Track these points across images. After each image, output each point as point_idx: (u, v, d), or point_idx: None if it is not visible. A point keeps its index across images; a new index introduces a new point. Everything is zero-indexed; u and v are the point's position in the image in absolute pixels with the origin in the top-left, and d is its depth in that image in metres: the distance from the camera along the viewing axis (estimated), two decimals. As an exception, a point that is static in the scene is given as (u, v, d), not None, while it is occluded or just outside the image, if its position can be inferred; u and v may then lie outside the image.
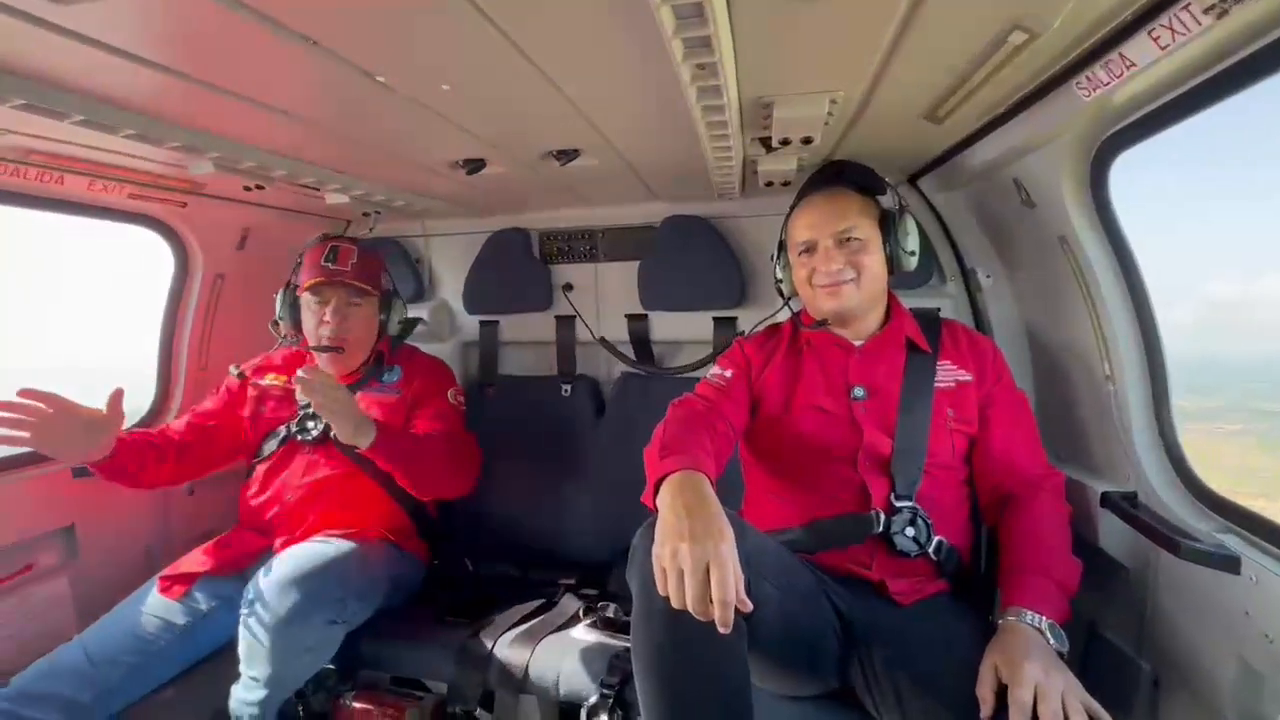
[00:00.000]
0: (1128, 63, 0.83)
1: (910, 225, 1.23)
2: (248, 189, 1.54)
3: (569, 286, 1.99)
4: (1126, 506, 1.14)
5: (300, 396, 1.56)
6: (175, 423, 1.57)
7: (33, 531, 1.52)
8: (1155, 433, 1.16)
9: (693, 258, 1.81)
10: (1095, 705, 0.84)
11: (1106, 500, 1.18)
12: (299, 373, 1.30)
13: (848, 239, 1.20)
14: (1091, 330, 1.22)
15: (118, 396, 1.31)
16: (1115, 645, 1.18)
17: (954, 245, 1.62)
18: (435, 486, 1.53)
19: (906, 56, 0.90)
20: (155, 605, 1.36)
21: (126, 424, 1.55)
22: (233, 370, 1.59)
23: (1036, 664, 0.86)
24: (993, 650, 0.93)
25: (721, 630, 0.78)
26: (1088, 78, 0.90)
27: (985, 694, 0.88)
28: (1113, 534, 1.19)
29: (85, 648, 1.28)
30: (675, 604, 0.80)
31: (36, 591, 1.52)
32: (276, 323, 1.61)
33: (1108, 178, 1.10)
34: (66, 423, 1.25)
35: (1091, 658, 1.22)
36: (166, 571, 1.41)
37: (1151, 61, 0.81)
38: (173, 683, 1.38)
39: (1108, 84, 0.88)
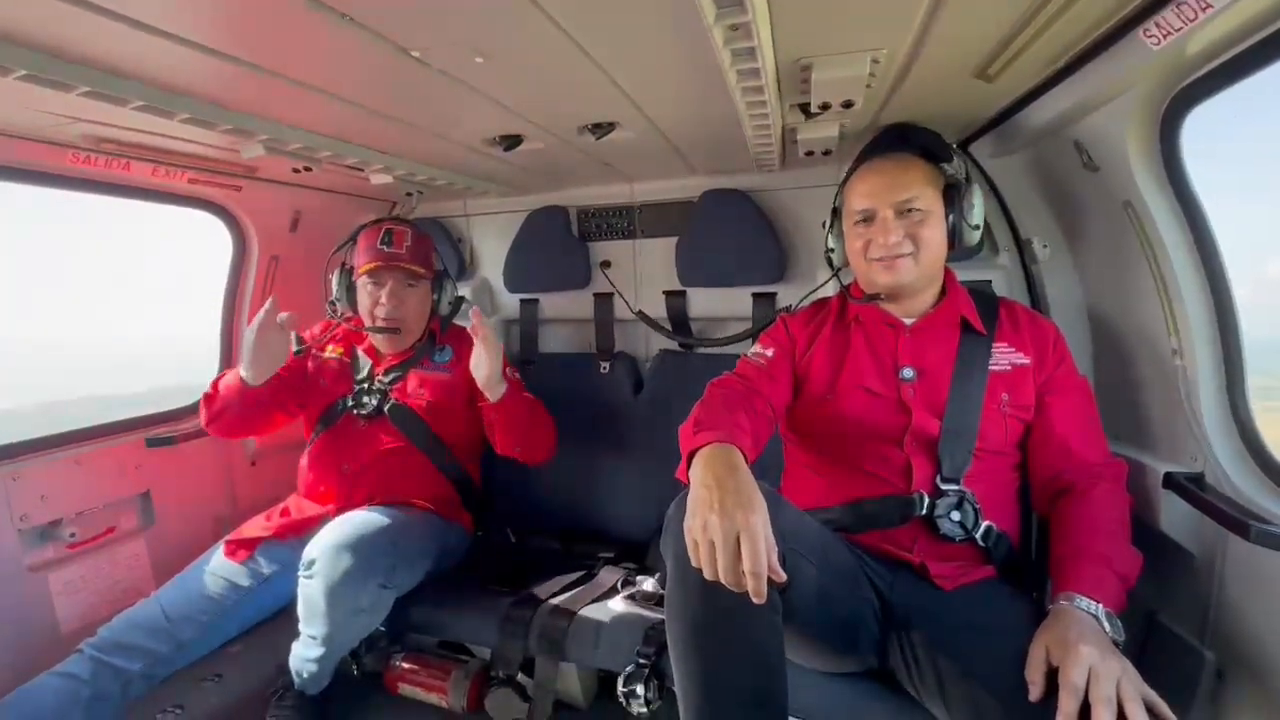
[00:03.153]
0: (1204, 4, 0.76)
1: (976, 197, 1.17)
2: (296, 171, 1.59)
3: (607, 264, 1.99)
4: (1192, 488, 1.07)
5: (378, 357, 1.68)
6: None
7: (114, 497, 1.64)
8: (1227, 411, 1.08)
9: (731, 232, 1.78)
10: (1154, 695, 0.79)
11: (1170, 481, 1.11)
12: (480, 319, 1.43)
13: (909, 209, 1.13)
14: (1158, 302, 1.14)
15: (292, 319, 1.42)
16: (1176, 634, 1.12)
17: (1007, 214, 1.53)
18: (540, 446, 1.62)
19: (954, 8, 0.84)
20: (222, 567, 1.45)
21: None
22: (302, 349, 1.64)
23: (1092, 647, 0.82)
24: (1044, 632, 0.89)
25: (755, 601, 0.77)
26: (1157, 24, 0.83)
27: (1035, 676, 0.84)
28: (1175, 517, 1.12)
29: (162, 605, 1.38)
30: (708, 576, 0.80)
31: (118, 551, 1.65)
32: (334, 303, 1.67)
33: (1179, 136, 1.02)
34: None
35: (1150, 646, 1.16)
36: (231, 536, 1.50)
37: (1232, 0, 0.74)
38: (240, 638, 1.48)
39: (1180, 30, 0.81)
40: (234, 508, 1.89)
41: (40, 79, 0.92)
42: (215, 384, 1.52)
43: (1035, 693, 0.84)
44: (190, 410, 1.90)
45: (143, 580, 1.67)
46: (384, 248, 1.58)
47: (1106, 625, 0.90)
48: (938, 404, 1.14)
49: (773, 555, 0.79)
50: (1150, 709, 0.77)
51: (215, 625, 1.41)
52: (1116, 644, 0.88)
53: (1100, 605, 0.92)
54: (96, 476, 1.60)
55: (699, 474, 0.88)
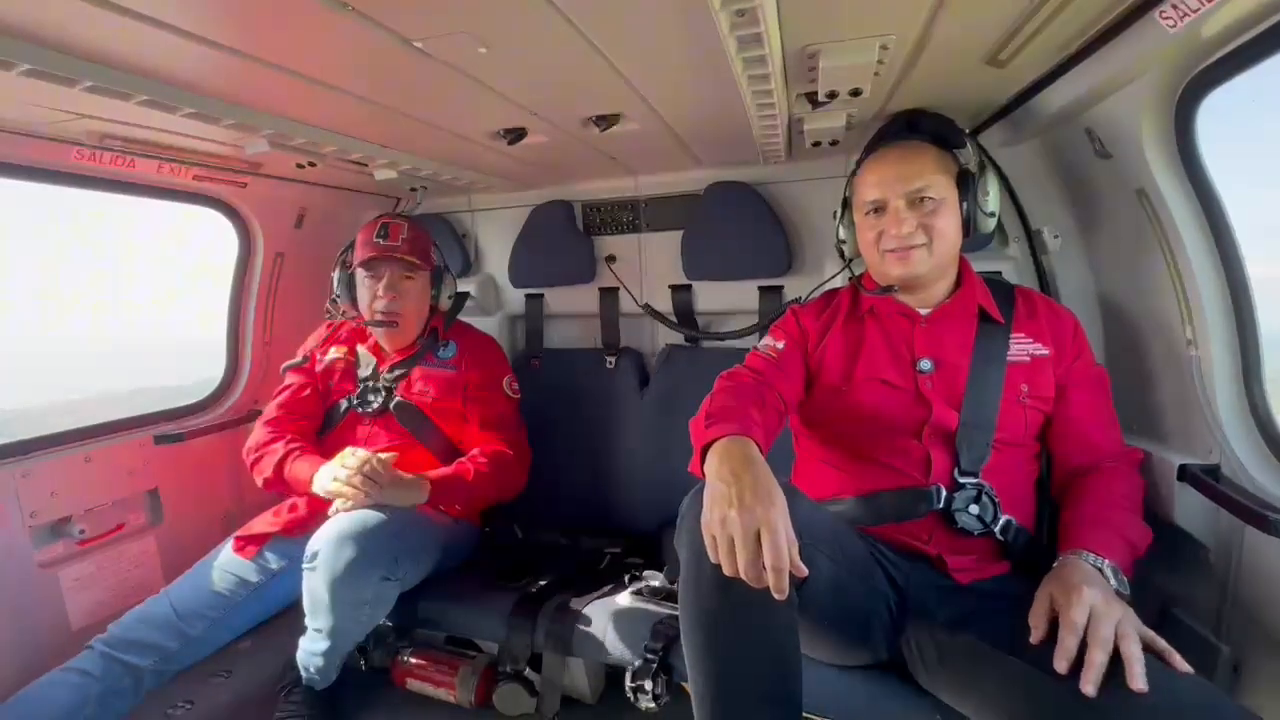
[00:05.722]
0: (1221, -15, 0.75)
1: (991, 184, 1.15)
2: (300, 167, 1.59)
3: (612, 258, 1.98)
4: (1208, 480, 1.06)
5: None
6: (270, 411, 1.62)
7: (123, 494, 1.65)
8: (1244, 402, 1.07)
9: (737, 226, 1.76)
10: (1152, 634, 0.80)
11: (1185, 473, 1.10)
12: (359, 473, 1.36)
13: (921, 198, 1.11)
14: (1173, 291, 1.12)
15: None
16: (1191, 627, 1.11)
17: (1017, 204, 1.51)
18: (487, 504, 1.65)
19: None
20: (231, 564, 1.45)
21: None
22: (298, 362, 1.67)
23: (1096, 590, 0.83)
24: (1049, 581, 0.90)
25: (776, 597, 0.76)
26: (1174, 6, 0.81)
27: (1037, 620, 0.86)
28: (1190, 509, 1.11)
29: (171, 601, 1.38)
30: (727, 571, 0.79)
31: (128, 548, 1.66)
32: (335, 300, 1.68)
33: (1194, 121, 1.00)
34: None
35: (1164, 640, 1.15)
36: (240, 532, 1.51)
37: None
38: (249, 634, 1.48)
39: (1197, 11, 0.79)
40: (242, 504, 1.90)
41: (44, 74, 0.92)
42: (279, 468, 1.50)
43: (1036, 635, 0.85)
44: (198, 407, 1.90)
45: (152, 577, 1.68)
46: (380, 240, 1.59)
47: (1111, 578, 0.90)
48: (956, 395, 1.12)
49: (794, 550, 0.78)
50: (1148, 647, 0.78)
51: (224, 621, 1.42)
52: (1121, 597, 0.87)
53: (1106, 561, 0.92)
54: (105, 473, 1.61)
55: (715, 468, 0.87)
